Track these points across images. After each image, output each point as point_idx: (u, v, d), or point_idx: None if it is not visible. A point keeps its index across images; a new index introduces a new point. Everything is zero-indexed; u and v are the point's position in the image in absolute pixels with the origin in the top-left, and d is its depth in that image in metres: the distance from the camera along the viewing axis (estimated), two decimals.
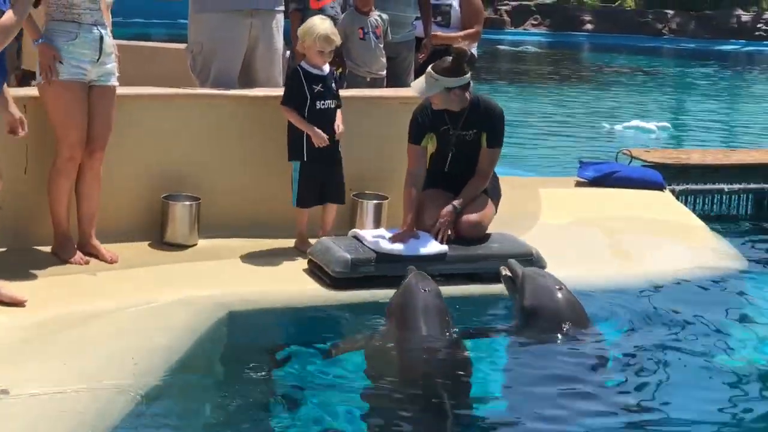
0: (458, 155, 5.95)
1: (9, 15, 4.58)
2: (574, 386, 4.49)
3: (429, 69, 5.89)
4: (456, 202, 5.80)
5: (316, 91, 5.85)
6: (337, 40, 5.97)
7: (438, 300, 4.96)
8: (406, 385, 4.49)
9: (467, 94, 5.85)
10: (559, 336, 4.96)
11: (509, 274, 5.30)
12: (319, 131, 5.76)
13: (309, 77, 5.87)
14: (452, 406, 4.18)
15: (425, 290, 4.97)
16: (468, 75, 5.84)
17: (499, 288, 5.45)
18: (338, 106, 5.95)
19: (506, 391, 4.54)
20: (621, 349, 4.96)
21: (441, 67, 5.79)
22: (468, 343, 4.96)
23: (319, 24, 5.89)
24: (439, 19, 7.38)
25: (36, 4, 5.23)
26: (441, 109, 5.84)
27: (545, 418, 4.20)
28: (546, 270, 5.52)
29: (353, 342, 4.90)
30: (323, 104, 5.88)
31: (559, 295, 5.12)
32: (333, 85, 6.01)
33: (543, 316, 5.08)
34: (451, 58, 5.82)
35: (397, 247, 5.53)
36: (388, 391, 4.41)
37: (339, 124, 5.88)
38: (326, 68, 5.95)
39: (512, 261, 5.37)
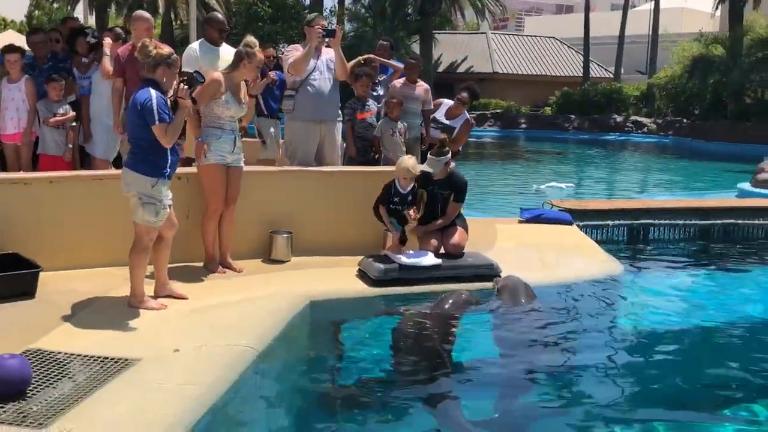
0: (444, 206, 5.98)
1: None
2: (532, 329, 4.81)
3: (429, 155, 5.91)
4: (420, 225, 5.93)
5: (396, 200, 5.79)
6: (415, 171, 5.71)
7: (451, 303, 4.96)
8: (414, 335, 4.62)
9: (448, 168, 5.89)
10: (520, 303, 5.12)
11: (497, 284, 5.38)
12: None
13: (396, 191, 5.79)
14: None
15: (447, 298, 5.02)
16: (450, 154, 5.87)
17: (472, 285, 5.45)
18: (412, 207, 5.78)
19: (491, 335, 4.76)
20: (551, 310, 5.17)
21: (436, 152, 5.85)
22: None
23: (406, 161, 5.78)
24: (445, 135, 7.03)
25: (197, 119, 5.34)
26: (436, 178, 5.86)
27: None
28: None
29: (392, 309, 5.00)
30: (398, 207, 5.79)
31: (518, 280, 5.30)
32: (409, 197, 5.81)
33: (508, 290, 5.19)
34: (437, 146, 5.89)
35: (412, 261, 5.54)
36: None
37: (413, 213, 5.77)
38: (408, 188, 5.79)
39: (498, 278, 5.43)
